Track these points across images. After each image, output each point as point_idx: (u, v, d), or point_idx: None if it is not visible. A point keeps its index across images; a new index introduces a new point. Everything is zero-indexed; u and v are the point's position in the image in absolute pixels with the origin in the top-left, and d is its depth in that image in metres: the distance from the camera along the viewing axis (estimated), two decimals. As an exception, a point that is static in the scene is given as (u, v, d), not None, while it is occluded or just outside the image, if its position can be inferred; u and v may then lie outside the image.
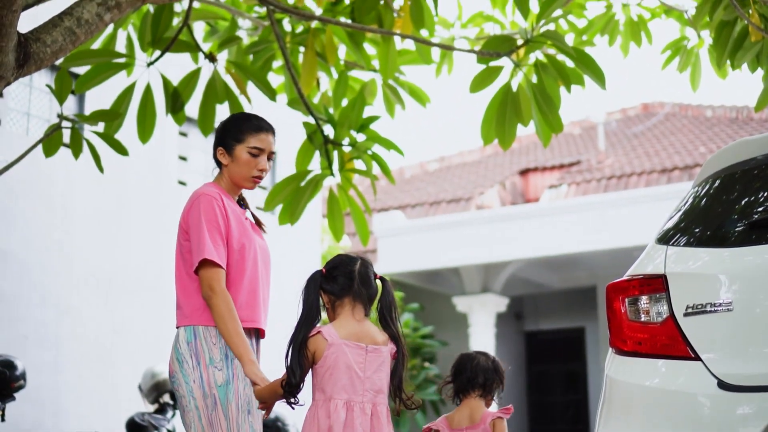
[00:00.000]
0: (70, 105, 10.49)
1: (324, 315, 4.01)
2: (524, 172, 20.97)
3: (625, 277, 3.72)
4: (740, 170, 3.76)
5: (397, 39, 6.63)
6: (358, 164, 6.86)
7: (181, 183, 12.10)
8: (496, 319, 17.26)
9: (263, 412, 4.08)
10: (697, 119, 20.91)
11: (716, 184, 3.83)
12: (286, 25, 6.98)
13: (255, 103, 6.88)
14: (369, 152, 6.67)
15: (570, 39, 7.51)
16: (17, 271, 9.80)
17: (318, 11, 6.79)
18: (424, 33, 6.89)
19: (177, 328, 4.25)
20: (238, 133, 4.42)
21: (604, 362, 3.84)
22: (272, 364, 4.00)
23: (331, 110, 6.90)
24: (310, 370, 3.89)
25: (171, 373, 4.20)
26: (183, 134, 12.28)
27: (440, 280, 17.94)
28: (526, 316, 20.00)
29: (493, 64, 5.96)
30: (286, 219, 6.66)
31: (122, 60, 6.23)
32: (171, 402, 8.39)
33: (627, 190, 16.82)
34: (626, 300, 3.63)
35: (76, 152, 6.07)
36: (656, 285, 3.54)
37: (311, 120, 6.72)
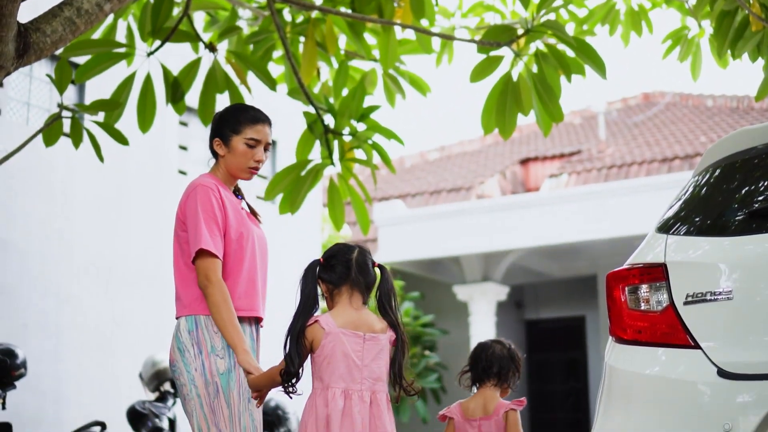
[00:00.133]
0: (70, 95, 10.49)
1: (323, 304, 4.02)
2: (525, 162, 20.96)
3: (625, 266, 3.72)
4: (740, 159, 3.76)
5: (397, 29, 6.63)
6: (359, 154, 6.86)
7: (182, 172, 12.10)
8: (496, 308, 17.27)
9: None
10: (697, 109, 20.90)
11: (716, 174, 3.83)
12: (287, 15, 6.97)
13: (255, 92, 6.89)
14: (369, 142, 6.67)
15: (570, 28, 7.50)
16: (17, 260, 9.81)
17: (318, 1, 6.79)
18: (424, 23, 6.88)
19: (177, 318, 4.26)
20: (235, 124, 4.42)
21: (604, 351, 3.84)
22: (272, 353, 4.01)
23: (331, 100, 6.90)
24: (309, 359, 3.90)
25: (172, 362, 4.21)
26: (183, 124, 12.28)
27: (441, 269, 17.95)
28: (527, 305, 20.02)
29: (493, 53, 5.96)
30: (286, 208, 6.67)
31: (122, 50, 6.23)
32: (172, 390, 8.40)
33: (627, 179, 16.82)
34: (626, 288, 3.64)
35: (77, 142, 6.08)
36: (656, 274, 3.55)
37: (311, 110, 6.72)
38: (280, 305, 5.81)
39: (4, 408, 7.11)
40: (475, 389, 5.16)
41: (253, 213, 4.57)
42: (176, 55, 7.94)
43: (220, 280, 4.14)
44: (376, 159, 6.80)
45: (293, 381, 3.83)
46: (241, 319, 4.24)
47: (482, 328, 16.87)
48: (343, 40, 7.18)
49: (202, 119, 6.47)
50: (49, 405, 9.88)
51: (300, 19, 6.82)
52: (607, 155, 18.88)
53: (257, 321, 4.36)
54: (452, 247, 16.45)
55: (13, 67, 4.52)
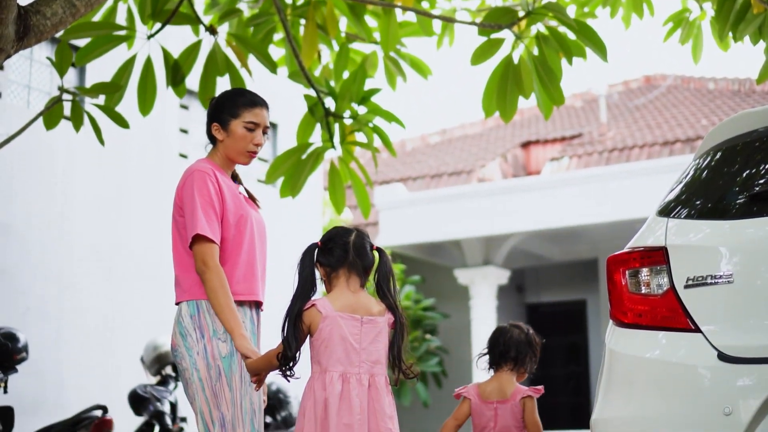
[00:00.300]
0: (70, 78, 10.48)
1: (323, 288, 4.03)
2: (526, 145, 20.95)
3: (625, 250, 3.72)
4: (741, 142, 3.75)
5: (398, 11, 6.61)
6: (359, 137, 6.86)
7: (182, 156, 12.09)
8: (497, 292, 17.28)
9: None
10: (699, 92, 20.87)
11: (717, 157, 3.83)
12: (287, -3, 6.96)
13: (256, 75, 6.87)
14: (370, 125, 6.66)
15: (571, 11, 7.47)
16: (18, 245, 9.81)
17: (319, -17, 6.77)
18: (425, 5, 6.87)
19: (177, 304, 4.27)
20: (233, 107, 4.42)
21: (605, 335, 3.84)
22: (273, 336, 4.01)
23: (332, 83, 6.89)
24: (308, 343, 3.90)
25: (174, 347, 4.22)
26: (184, 107, 12.27)
27: (442, 253, 17.96)
28: (528, 289, 20.03)
29: (494, 36, 5.95)
30: (287, 192, 6.66)
31: (123, 32, 6.22)
32: (173, 374, 8.41)
33: (628, 162, 16.81)
34: (627, 272, 3.64)
35: (77, 125, 6.07)
36: (657, 257, 3.54)
37: (312, 93, 6.71)
38: (280, 289, 5.82)
39: (5, 392, 7.12)
40: (492, 372, 5.17)
41: (252, 198, 4.57)
42: (177, 38, 7.92)
43: (217, 265, 4.15)
44: (377, 142, 6.80)
45: (290, 365, 3.83)
46: (241, 303, 4.24)
47: (483, 311, 16.89)
48: (343, 23, 7.16)
49: (202, 102, 6.46)
50: (51, 389, 9.89)
51: (301, 1, 6.80)
52: (608, 138, 18.86)
53: (257, 305, 4.37)
54: (453, 230, 16.45)
55: (13, 49, 4.52)
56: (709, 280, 3.37)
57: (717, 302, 3.35)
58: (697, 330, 3.35)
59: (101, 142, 6.05)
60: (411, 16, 7.03)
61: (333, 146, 6.71)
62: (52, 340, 9.95)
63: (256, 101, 4.47)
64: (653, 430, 3.38)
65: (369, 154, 12.19)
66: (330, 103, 6.76)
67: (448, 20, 6.48)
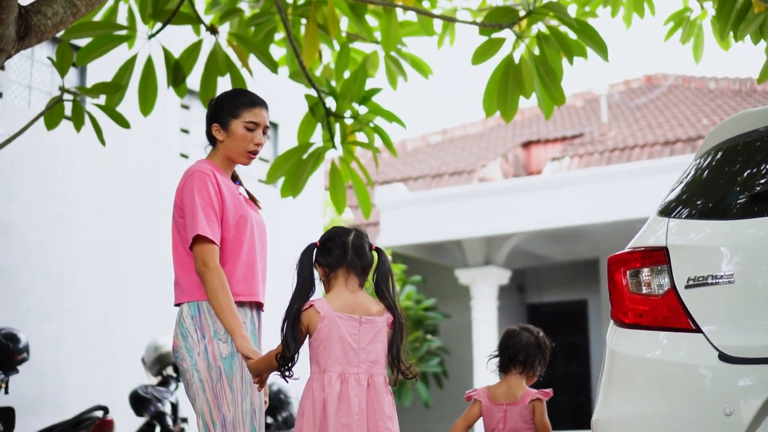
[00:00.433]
0: (71, 77, 10.48)
1: (323, 288, 4.02)
2: (526, 145, 20.94)
3: (626, 249, 3.72)
4: (742, 142, 3.75)
5: (399, 10, 6.60)
6: (360, 137, 6.85)
7: (183, 156, 12.08)
8: (498, 292, 17.28)
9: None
10: (700, 91, 20.86)
11: (718, 156, 3.82)
12: (288, -4, 6.95)
13: (257, 75, 6.87)
14: (371, 125, 6.66)
15: (572, 10, 7.47)
16: (19, 245, 9.81)
17: (319, -17, 6.77)
18: (426, 5, 6.86)
19: (177, 305, 4.26)
20: (233, 108, 4.42)
21: (606, 335, 3.84)
22: (274, 337, 4.01)
23: (333, 82, 6.88)
24: (307, 343, 3.90)
25: (175, 348, 4.22)
26: (185, 107, 12.26)
27: (442, 253, 17.96)
28: (529, 289, 20.02)
29: (495, 35, 5.94)
30: (288, 192, 6.66)
31: (123, 32, 6.22)
32: (174, 374, 8.41)
33: (630, 162, 16.81)
34: (628, 272, 3.63)
35: (78, 125, 6.07)
36: (658, 257, 3.54)
37: (313, 92, 6.71)
38: (282, 289, 5.82)
39: (6, 392, 7.12)
40: (502, 375, 5.20)
41: (252, 199, 4.57)
42: (177, 38, 7.92)
43: (217, 265, 4.15)
44: (378, 142, 6.79)
45: (289, 365, 3.83)
46: (242, 304, 4.24)
47: (484, 312, 16.90)
48: (344, 22, 7.16)
49: (203, 102, 6.45)
50: (52, 389, 9.89)
51: (301, 1, 6.79)
52: (609, 138, 18.86)
53: (258, 306, 4.37)
54: (454, 230, 16.45)
55: (14, 49, 4.51)
56: (710, 280, 3.36)
57: (718, 302, 3.35)
58: (698, 330, 3.35)
59: (102, 142, 6.05)
60: (412, 16, 7.02)
61: (334, 146, 6.71)
62: (52, 341, 9.95)
63: (255, 101, 4.46)
64: (654, 430, 3.38)
65: (370, 154, 12.17)
66: (331, 102, 6.76)
67: (449, 20, 6.47)
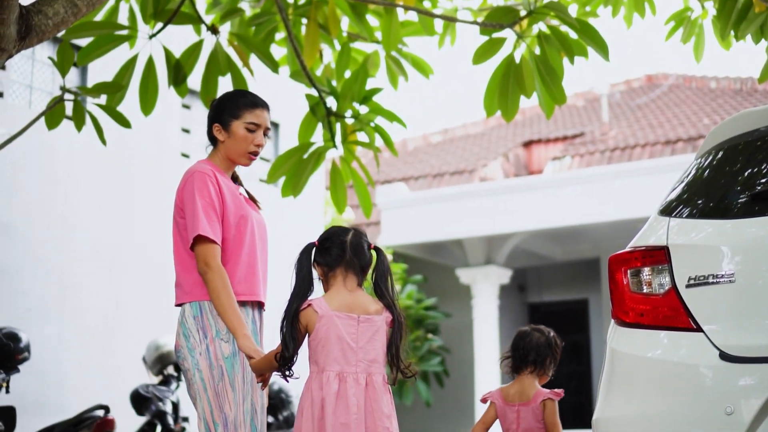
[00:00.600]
0: (72, 77, 10.48)
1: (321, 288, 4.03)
2: (527, 144, 20.94)
3: (627, 249, 3.72)
4: (743, 142, 3.75)
5: (399, 10, 6.60)
6: (361, 136, 6.85)
7: (184, 155, 12.09)
8: (499, 291, 17.28)
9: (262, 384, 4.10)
10: (701, 90, 20.86)
11: (719, 156, 3.82)
12: (289, -4, 6.95)
13: (257, 75, 6.87)
14: (372, 124, 6.66)
15: (573, 10, 7.47)
16: (20, 244, 9.81)
17: (320, -17, 6.77)
18: (426, 4, 6.86)
19: (178, 305, 4.27)
20: (234, 109, 4.43)
21: (606, 334, 3.84)
22: (275, 337, 4.01)
23: (333, 82, 6.88)
24: (306, 343, 3.91)
25: (177, 348, 4.23)
26: (186, 107, 12.26)
27: (443, 252, 17.96)
28: (530, 288, 20.02)
29: (496, 35, 5.94)
30: (288, 191, 6.66)
31: (124, 32, 6.22)
32: (175, 374, 8.42)
33: (630, 161, 16.81)
34: (628, 271, 3.63)
35: (79, 125, 6.07)
36: (658, 256, 3.54)
37: (314, 92, 6.71)
38: (283, 289, 5.83)
39: (8, 392, 7.12)
40: (514, 375, 5.25)
41: (252, 199, 4.57)
42: (178, 38, 7.93)
43: (219, 265, 4.15)
44: (379, 142, 6.80)
45: (289, 365, 3.84)
46: (243, 304, 4.24)
47: (485, 311, 16.89)
48: (345, 22, 7.16)
49: (204, 102, 6.45)
50: (53, 389, 9.90)
51: (302, 0, 6.80)
52: (610, 137, 18.86)
53: (259, 305, 4.37)
54: (455, 230, 16.45)
55: (15, 49, 4.51)
56: (710, 280, 3.36)
57: (719, 302, 3.35)
58: (699, 329, 3.35)
59: (103, 142, 6.05)
60: (413, 16, 7.02)
61: (335, 146, 6.71)
62: (53, 340, 9.95)
63: (257, 102, 4.47)
64: (655, 429, 3.38)
65: (371, 153, 12.17)
66: (332, 102, 6.76)
67: (449, 20, 6.47)
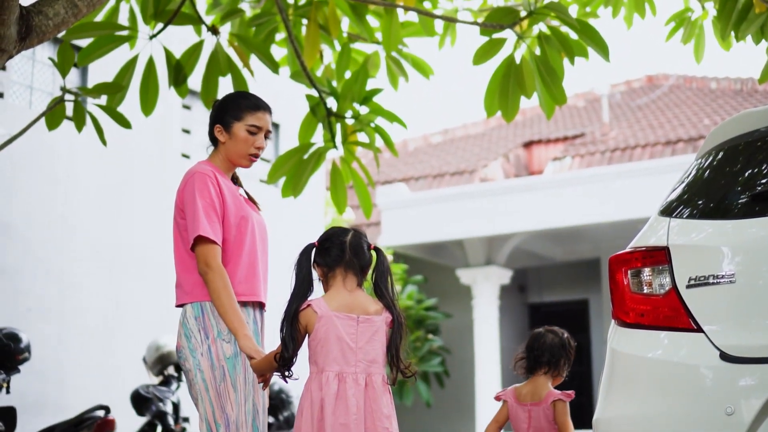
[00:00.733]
0: (72, 78, 10.48)
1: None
2: (528, 145, 20.94)
3: (627, 249, 3.72)
4: (743, 142, 3.75)
5: (400, 11, 6.60)
6: (361, 137, 6.85)
7: (185, 156, 12.09)
8: (499, 292, 17.28)
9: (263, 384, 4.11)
10: (701, 91, 20.86)
11: (719, 156, 3.82)
12: (289, -3, 6.95)
13: (258, 75, 6.87)
14: (372, 125, 6.66)
15: (573, 11, 7.47)
16: (20, 245, 9.82)
17: (321, -17, 6.76)
18: (427, 5, 6.86)
19: (179, 306, 4.27)
20: (236, 110, 4.43)
21: (607, 334, 3.84)
22: (276, 337, 4.02)
23: (334, 83, 6.88)
24: (306, 343, 3.91)
25: (178, 349, 4.23)
26: (186, 107, 12.27)
27: (444, 253, 17.96)
28: (530, 289, 20.02)
29: (496, 36, 5.94)
30: (289, 192, 6.66)
31: (125, 33, 6.21)
32: (175, 374, 8.42)
33: (631, 162, 16.81)
34: (629, 272, 3.63)
35: (79, 125, 6.07)
36: (659, 257, 3.54)
37: (314, 93, 6.71)
38: (283, 289, 5.83)
39: (8, 392, 7.12)
40: (529, 376, 5.29)
41: (252, 200, 4.58)
42: (179, 38, 7.93)
43: (219, 266, 4.15)
44: (379, 142, 6.79)
45: (289, 365, 3.84)
46: (244, 304, 4.24)
47: (485, 311, 16.89)
48: (345, 23, 7.16)
49: (204, 103, 6.45)
50: (53, 389, 9.90)
51: (303, 1, 6.79)
52: (610, 138, 18.86)
53: (260, 306, 4.37)
54: (455, 230, 16.45)
55: (15, 50, 4.51)
56: (711, 280, 3.37)
57: (719, 302, 3.35)
58: (699, 330, 3.35)
59: (103, 142, 6.05)
60: (413, 16, 7.02)
61: (335, 146, 6.70)
62: (53, 340, 9.95)
63: (259, 105, 4.47)
64: (655, 429, 3.38)
65: (371, 154, 12.17)
66: (332, 103, 6.76)
67: (450, 20, 6.47)
